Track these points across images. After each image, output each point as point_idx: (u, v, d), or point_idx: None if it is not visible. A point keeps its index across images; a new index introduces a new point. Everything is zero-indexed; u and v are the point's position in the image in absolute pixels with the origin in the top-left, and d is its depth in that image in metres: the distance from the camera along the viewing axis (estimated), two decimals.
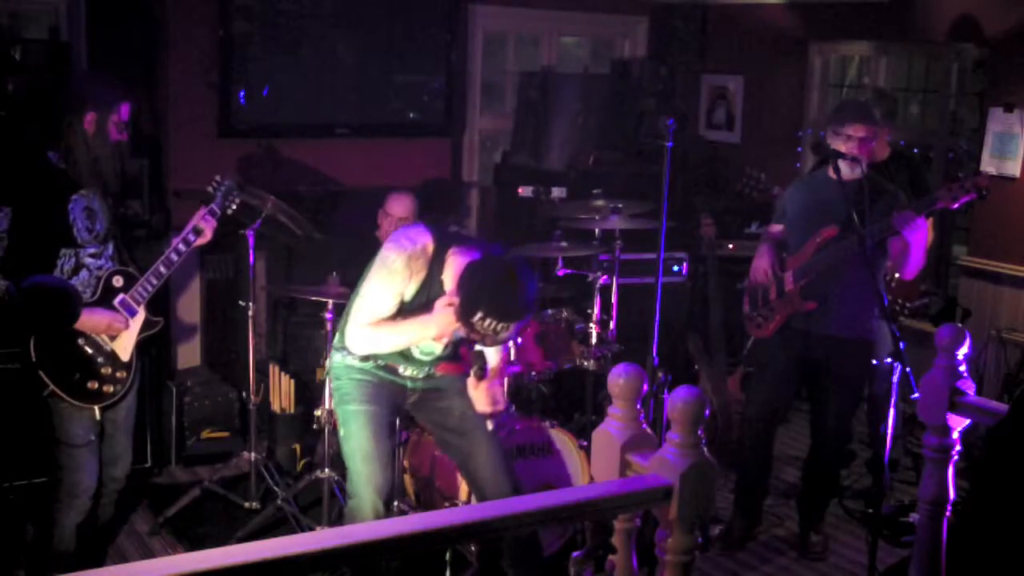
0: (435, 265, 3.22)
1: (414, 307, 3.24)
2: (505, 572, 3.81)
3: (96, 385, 3.54)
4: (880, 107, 4.16)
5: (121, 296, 3.59)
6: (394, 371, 3.46)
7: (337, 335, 3.51)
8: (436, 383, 3.53)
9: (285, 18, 5.69)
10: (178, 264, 3.69)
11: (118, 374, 3.60)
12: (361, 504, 3.33)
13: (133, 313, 3.61)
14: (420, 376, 3.49)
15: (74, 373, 3.51)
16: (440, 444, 3.71)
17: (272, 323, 5.50)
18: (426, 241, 3.22)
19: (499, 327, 3.02)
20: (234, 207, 3.89)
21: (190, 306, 5.58)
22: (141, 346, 3.71)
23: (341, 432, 3.43)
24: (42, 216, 3.46)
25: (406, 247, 3.21)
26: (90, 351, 3.54)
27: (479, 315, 3.00)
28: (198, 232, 3.72)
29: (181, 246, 3.67)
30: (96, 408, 3.56)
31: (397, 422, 3.64)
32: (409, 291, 3.24)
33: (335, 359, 3.49)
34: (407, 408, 3.59)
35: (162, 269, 3.64)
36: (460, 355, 3.55)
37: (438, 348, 3.41)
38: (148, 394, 4.45)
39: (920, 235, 3.84)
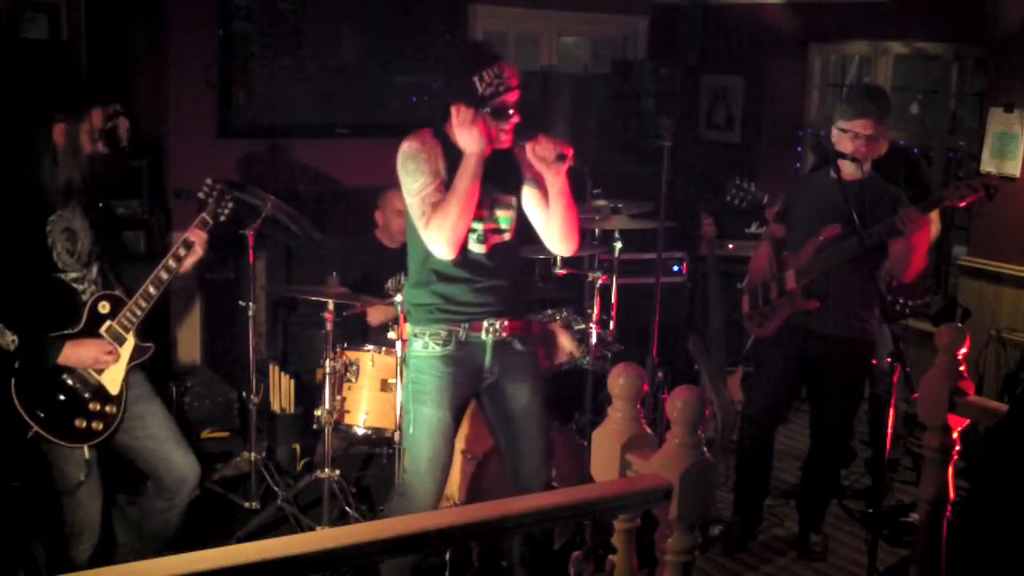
0: (444, 138, 3.27)
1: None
2: (506, 572, 3.81)
3: (84, 423, 3.26)
4: (880, 99, 4.14)
5: (108, 323, 3.30)
6: (477, 330, 3.33)
7: (410, 320, 3.40)
8: (511, 363, 3.40)
9: (285, 18, 5.69)
10: (169, 283, 3.39)
11: (107, 409, 3.32)
12: (412, 506, 3.31)
13: (121, 341, 3.32)
14: (501, 333, 3.35)
15: (59, 411, 3.22)
16: (494, 428, 3.58)
17: (272, 323, 5.50)
18: (423, 130, 3.31)
19: (500, 76, 3.13)
20: (225, 214, 3.59)
21: (190, 306, 5.58)
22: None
23: (409, 430, 3.37)
24: (16, 242, 3.16)
25: (407, 139, 3.28)
26: (76, 386, 3.25)
27: (476, 79, 3.12)
28: (188, 246, 3.41)
29: (171, 263, 3.38)
30: (86, 447, 3.28)
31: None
32: (442, 168, 3.24)
33: (415, 348, 3.35)
34: (481, 392, 3.47)
35: (151, 290, 3.34)
36: (521, 294, 3.48)
37: (502, 216, 3.33)
38: None
39: (923, 235, 3.82)
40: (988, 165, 5.33)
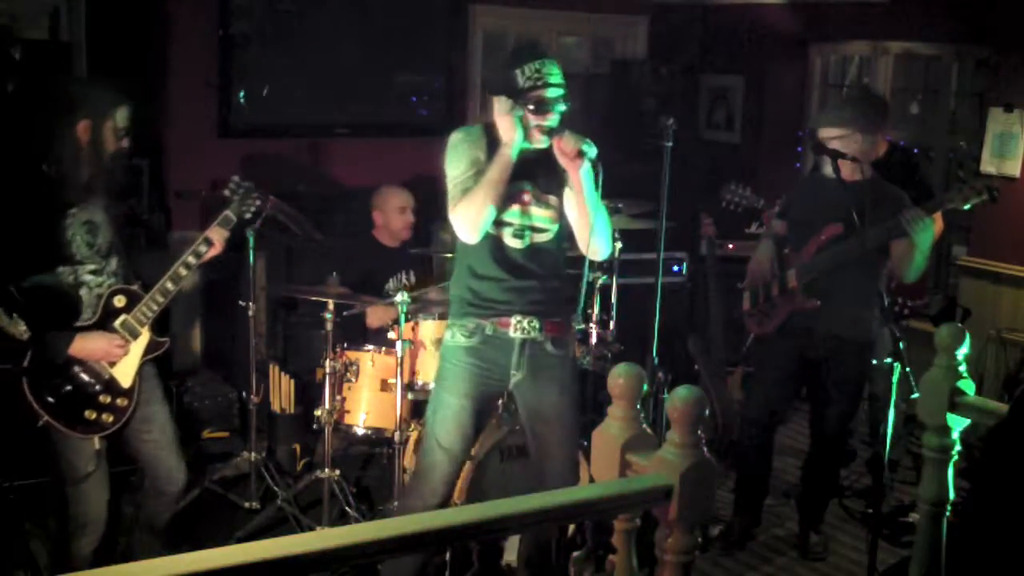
0: (491, 131, 3.27)
1: None
2: (507, 572, 3.81)
3: (94, 415, 3.30)
4: (864, 106, 4.15)
5: (123, 317, 3.34)
6: (505, 328, 3.34)
7: (451, 314, 3.42)
8: (540, 364, 3.39)
9: (285, 18, 5.69)
10: (187, 279, 3.46)
11: (118, 401, 3.36)
12: (421, 488, 3.37)
13: (136, 335, 3.37)
14: (531, 331, 3.34)
15: (70, 402, 3.27)
16: (523, 426, 3.58)
17: (272, 323, 5.50)
18: (475, 124, 3.35)
19: (540, 72, 3.16)
20: (251, 212, 3.72)
21: (190, 306, 5.58)
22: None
23: (430, 410, 3.44)
24: (37, 233, 3.22)
25: (457, 130, 3.33)
26: (87, 378, 3.30)
27: (518, 74, 3.16)
28: (208, 244, 3.49)
29: (191, 259, 3.44)
30: (96, 438, 3.33)
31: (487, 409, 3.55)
32: (483, 159, 3.25)
33: (446, 339, 3.42)
34: (509, 390, 3.48)
35: (169, 286, 3.40)
36: (558, 296, 3.45)
37: (540, 216, 3.33)
38: None
39: (926, 236, 3.83)
40: (988, 165, 5.33)
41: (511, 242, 3.32)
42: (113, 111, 3.30)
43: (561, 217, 3.39)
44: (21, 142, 3.55)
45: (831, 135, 3.96)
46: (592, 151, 3.19)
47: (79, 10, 5.13)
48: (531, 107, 3.18)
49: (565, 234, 3.43)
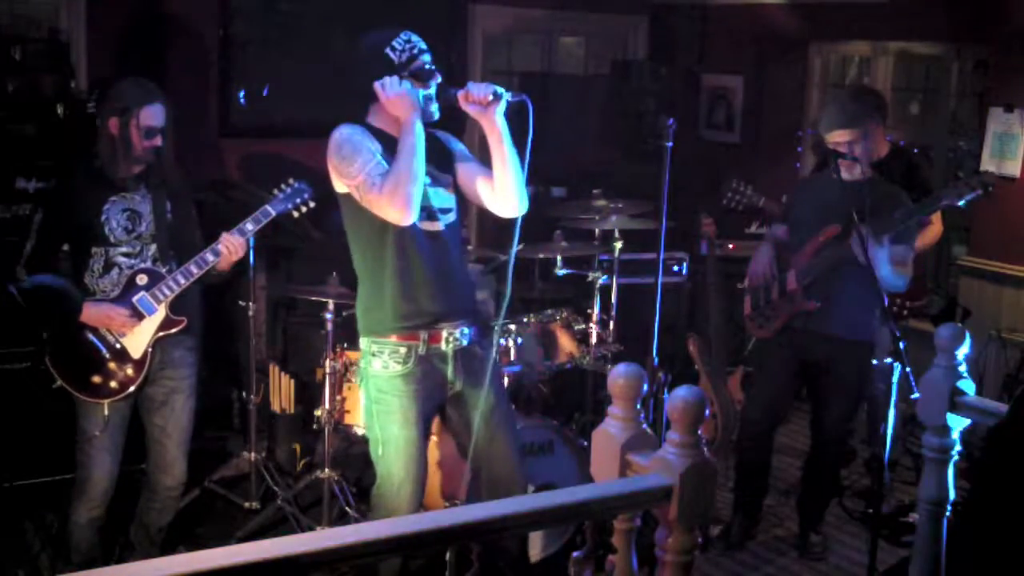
0: (369, 128, 3.27)
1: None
2: (505, 572, 3.81)
3: (100, 379, 3.50)
4: (864, 104, 4.13)
5: (141, 293, 3.52)
6: (437, 341, 3.30)
7: (364, 332, 3.34)
8: (472, 368, 3.38)
9: (285, 18, 5.69)
10: (212, 265, 3.57)
11: (127, 371, 3.54)
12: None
13: (151, 311, 3.53)
14: (460, 341, 3.34)
15: (79, 366, 3.49)
16: (461, 436, 3.53)
17: (272, 323, 5.50)
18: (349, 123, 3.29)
19: (410, 42, 3.22)
20: (304, 210, 3.81)
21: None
22: (198, 351, 3.74)
23: (378, 451, 3.32)
24: (72, 216, 3.50)
25: (336, 130, 3.27)
26: (97, 345, 3.51)
27: (388, 50, 3.20)
28: (242, 232, 3.63)
29: (220, 247, 3.59)
30: (104, 403, 3.52)
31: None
32: (377, 148, 3.20)
33: (374, 368, 3.30)
34: (446, 403, 3.46)
35: (193, 269, 3.55)
36: (472, 288, 3.49)
37: (443, 194, 3.33)
38: None
39: (923, 238, 3.83)
40: (988, 165, 5.33)
41: (428, 226, 3.27)
42: (137, 109, 3.51)
43: (458, 194, 3.39)
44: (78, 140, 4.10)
45: (843, 139, 3.92)
46: (506, 92, 3.15)
47: (79, 10, 5.13)
48: (415, 77, 3.19)
49: (463, 216, 3.44)
